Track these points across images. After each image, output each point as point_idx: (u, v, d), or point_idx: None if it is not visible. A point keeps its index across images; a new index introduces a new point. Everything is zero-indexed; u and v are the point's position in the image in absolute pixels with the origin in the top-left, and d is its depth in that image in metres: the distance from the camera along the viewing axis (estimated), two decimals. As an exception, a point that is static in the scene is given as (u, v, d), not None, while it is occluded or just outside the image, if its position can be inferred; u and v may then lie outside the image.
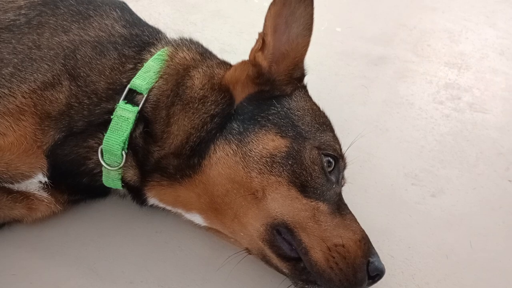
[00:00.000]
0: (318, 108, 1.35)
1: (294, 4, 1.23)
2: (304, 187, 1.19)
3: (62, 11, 1.31)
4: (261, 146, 1.20)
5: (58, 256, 1.32)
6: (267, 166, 1.19)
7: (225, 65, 1.37)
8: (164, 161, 1.24)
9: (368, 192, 1.62)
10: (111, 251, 1.35)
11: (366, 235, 1.23)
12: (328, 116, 1.36)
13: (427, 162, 1.77)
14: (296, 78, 1.33)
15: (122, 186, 1.30)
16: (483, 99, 2.11)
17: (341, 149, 1.32)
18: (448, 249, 1.47)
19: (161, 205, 1.33)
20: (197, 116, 1.24)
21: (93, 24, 1.31)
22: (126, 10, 1.43)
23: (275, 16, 1.23)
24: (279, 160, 1.19)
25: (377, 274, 1.19)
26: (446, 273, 1.40)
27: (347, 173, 1.35)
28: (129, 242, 1.38)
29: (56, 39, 1.25)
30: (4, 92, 1.17)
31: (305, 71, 1.37)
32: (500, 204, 1.64)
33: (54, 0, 1.32)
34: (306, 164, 1.20)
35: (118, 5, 1.42)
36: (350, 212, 1.25)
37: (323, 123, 1.31)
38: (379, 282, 1.22)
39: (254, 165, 1.19)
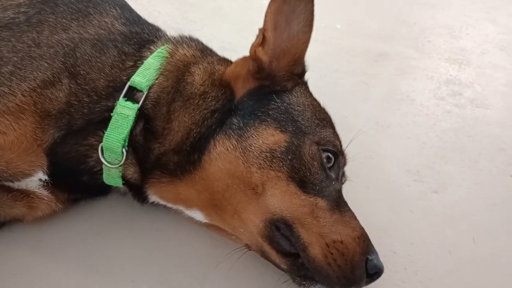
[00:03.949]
0: (319, 104, 1.35)
1: (294, 1, 1.23)
2: (303, 183, 1.18)
3: (62, 9, 1.30)
4: (261, 141, 1.20)
5: (58, 255, 1.32)
6: (266, 161, 1.18)
7: (226, 61, 1.38)
8: (165, 158, 1.24)
9: (370, 188, 1.62)
10: (112, 250, 1.34)
11: (366, 233, 1.22)
12: (328, 113, 1.36)
13: (428, 158, 1.77)
14: (296, 74, 1.33)
15: (123, 183, 1.29)
16: (484, 94, 2.11)
17: (341, 146, 1.32)
18: (451, 245, 1.47)
19: (162, 202, 1.33)
20: (197, 112, 1.24)
21: (93, 22, 1.31)
22: (125, 7, 1.42)
23: (275, 12, 1.23)
24: (279, 155, 1.18)
25: (376, 272, 1.18)
26: (449, 269, 1.40)
27: (348, 170, 1.35)
28: (130, 240, 1.37)
29: (56, 37, 1.25)
30: (4, 91, 1.17)
31: (306, 68, 1.36)
32: (502, 200, 1.64)
33: None
34: (305, 160, 1.20)
35: (118, 3, 1.41)
36: (350, 210, 1.25)
37: (324, 119, 1.31)
38: (382, 279, 1.22)
39: (254, 159, 1.18)
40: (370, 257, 1.17)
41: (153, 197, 1.31)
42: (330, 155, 1.25)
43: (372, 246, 1.21)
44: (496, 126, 1.94)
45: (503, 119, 1.98)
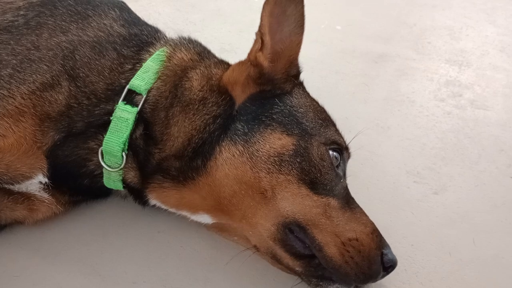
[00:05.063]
0: (318, 103, 1.36)
1: (284, 2, 1.23)
2: (313, 184, 1.19)
3: (61, 11, 1.30)
4: (268, 146, 1.20)
5: (60, 257, 1.32)
6: (275, 165, 1.18)
7: (223, 64, 1.37)
8: (166, 163, 1.24)
9: (370, 190, 1.62)
10: (113, 252, 1.34)
11: (376, 228, 1.23)
12: (327, 111, 1.36)
13: (429, 160, 1.76)
14: (293, 75, 1.33)
15: (123, 187, 1.29)
16: (484, 96, 2.11)
17: (345, 141, 1.33)
18: (451, 247, 1.46)
19: (164, 207, 1.32)
20: (198, 117, 1.24)
21: (92, 24, 1.31)
22: (124, 9, 1.42)
23: (269, 15, 1.23)
24: (287, 159, 1.18)
25: (391, 265, 1.19)
26: (449, 271, 1.40)
27: (348, 171, 1.35)
28: (131, 242, 1.37)
29: (55, 39, 1.25)
30: (3, 94, 1.17)
31: (300, 68, 1.37)
32: (502, 201, 1.64)
33: (52, 1, 1.32)
34: (315, 161, 1.20)
35: (117, 5, 1.41)
36: (359, 206, 1.25)
37: (325, 118, 1.32)
38: (382, 280, 1.23)
39: (262, 165, 1.18)
40: (384, 251, 1.19)
41: (154, 201, 1.31)
42: (337, 154, 1.26)
43: (384, 239, 1.22)
44: (496, 127, 1.94)
45: (503, 120, 1.98)
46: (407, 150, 1.80)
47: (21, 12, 1.28)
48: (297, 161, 1.19)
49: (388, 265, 1.19)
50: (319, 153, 1.21)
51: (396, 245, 1.43)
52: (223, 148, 1.21)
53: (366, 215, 1.24)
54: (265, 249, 1.24)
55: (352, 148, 1.36)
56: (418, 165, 1.74)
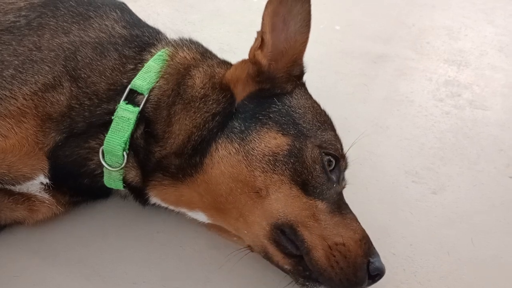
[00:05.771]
0: (319, 106, 1.35)
1: (290, 2, 1.23)
2: (305, 185, 1.19)
3: (62, 12, 1.31)
4: (263, 145, 1.20)
5: (60, 258, 1.32)
6: (270, 165, 1.18)
7: (226, 64, 1.38)
8: (166, 161, 1.24)
9: (369, 190, 1.62)
10: (113, 252, 1.35)
11: (367, 235, 1.22)
12: (329, 115, 1.36)
13: (427, 160, 1.77)
14: (295, 75, 1.33)
15: (124, 186, 1.30)
16: (483, 96, 2.12)
17: (342, 149, 1.32)
18: (450, 246, 1.47)
19: (164, 204, 1.33)
20: (198, 115, 1.24)
21: (93, 25, 1.31)
22: (126, 10, 1.43)
23: (272, 14, 1.22)
24: (282, 159, 1.19)
25: (378, 274, 1.19)
26: (448, 270, 1.40)
27: (347, 171, 1.35)
28: (131, 242, 1.38)
29: (57, 40, 1.25)
30: (5, 94, 1.17)
31: (304, 69, 1.36)
32: (501, 201, 1.64)
33: (54, 2, 1.32)
34: (308, 163, 1.20)
35: (118, 6, 1.42)
36: (351, 212, 1.25)
37: (324, 121, 1.31)
38: (381, 280, 1.22)
39: (257, 163, 1.19)
40: (371, 260, 1.18)
41: (154, 199, 1.32)
42: (331, 158, 1.26)
43: (374, 248, 1.22)
44: (495, 127, 1.95)
45: (502, 120, 1.99)
46: (406, 150, 1.81)
47: (23, 13, 1.28)
48: (290, 161, 1.19)
49: (374, 274, 1.18)
50: (312, 155, 1.21)
51: (395, 245, 1.44)
52: (219, 145, 1.21)
53: (357, 222, 1.24)
54: (258, 248, 1.25)
55: (351, 148, 1.37)
56: (417, 165, 1.74)
